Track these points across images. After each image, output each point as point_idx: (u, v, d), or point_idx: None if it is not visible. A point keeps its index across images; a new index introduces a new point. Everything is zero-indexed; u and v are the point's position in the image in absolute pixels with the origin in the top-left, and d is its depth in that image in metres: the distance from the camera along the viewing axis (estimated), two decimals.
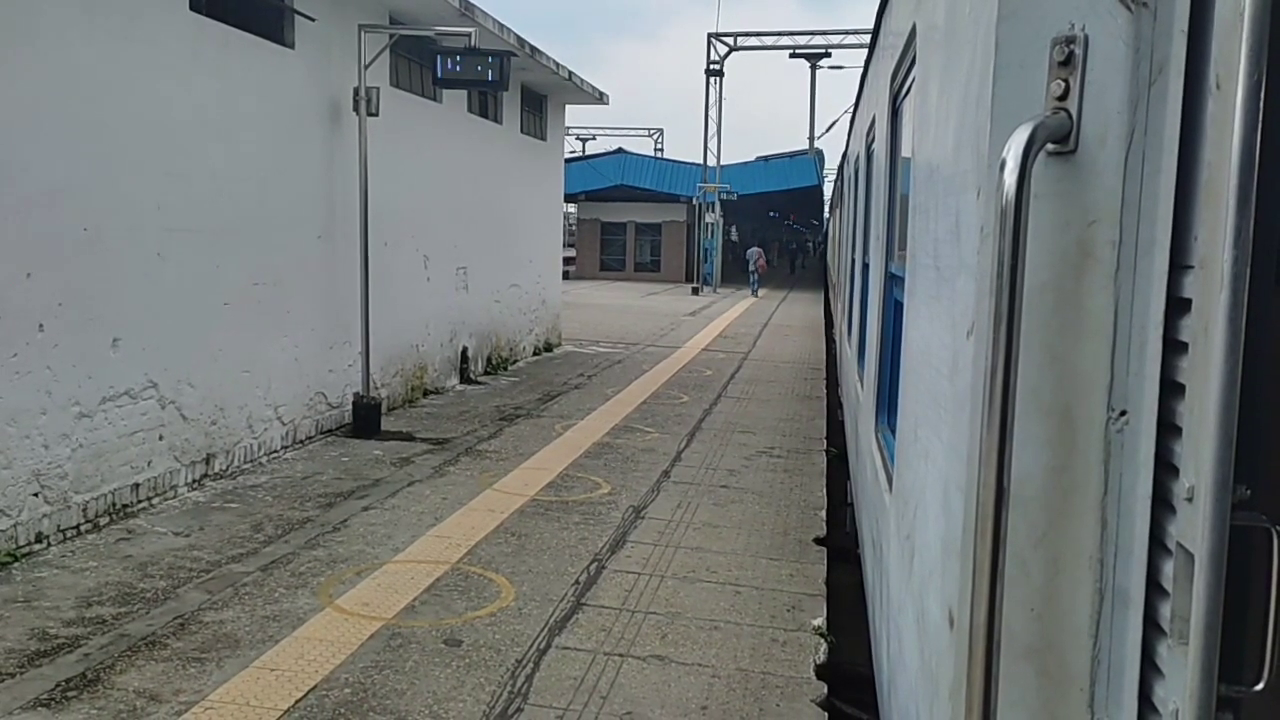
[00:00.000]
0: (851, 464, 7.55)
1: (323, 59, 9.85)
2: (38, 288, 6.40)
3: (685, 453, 9.90)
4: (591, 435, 10.58)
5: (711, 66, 38.49)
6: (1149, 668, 1.56)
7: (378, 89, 10.31)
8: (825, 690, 4.94)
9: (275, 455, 9.25)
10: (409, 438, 10.31)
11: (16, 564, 6.19)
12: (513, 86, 14.67)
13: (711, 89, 38.70)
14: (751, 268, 36.92)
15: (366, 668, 4.93)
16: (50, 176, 6.47)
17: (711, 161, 39.02)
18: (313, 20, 9.56)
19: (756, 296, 35.40)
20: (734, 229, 50.16)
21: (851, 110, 11.05)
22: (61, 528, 6.67)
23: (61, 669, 4.85)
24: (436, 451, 9.69)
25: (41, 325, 6.45)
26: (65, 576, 6.08)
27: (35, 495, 6.46)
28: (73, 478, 6.78)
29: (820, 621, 5.73)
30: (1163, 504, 1.54)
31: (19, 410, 6.30)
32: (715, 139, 38.84)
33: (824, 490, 8.68)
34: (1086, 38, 1.59)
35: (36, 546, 6.44)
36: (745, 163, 43.07)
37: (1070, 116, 1.60)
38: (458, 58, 10.02)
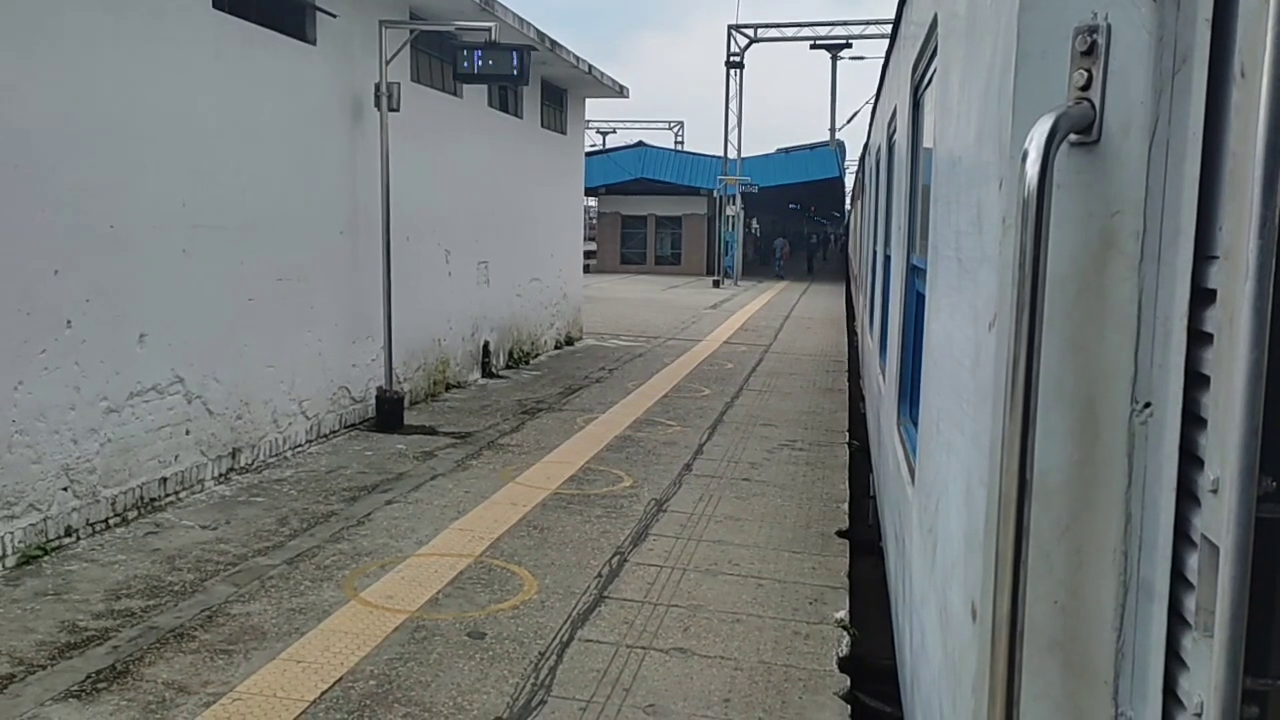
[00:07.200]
0: (874, 457, 7.53)
1: (344, 55, 9.90)
2: (65, 285, 6.48)
3: (707, 446, 9.90)
4: (613, 429, 10.60)
5: (731, 59, 38.36)
6: (1174, 660, 1.55)
7: (399, 84, 10.36)
8: (848, 683, 4.93)
9: (299, 449, 9.33)
10: (431, 431, 10.37)
11: (46, 557, 6.28)
12: (533, 80, 14.69)
13: (732, 81, 38.62)
14: (778, 255, 45.92)
15: (391, 660, 4.97)
16: (76, 175, 6.54)
17: (732, 154, 38.88)
18: (334, 16, 9.61)
19: (782, 278, 42.18)
20: (755, 221, 50.03)
21: (873, 101, 10.99)
22: (90, 521, 6.76)
23: (91, 661, 4.92)
24: (459, 445, 9.73)
25: (69, 321, 6.53)
26: (94, 570, 6.16)
27: (64, 489, 6.55)
28: (101, 472, 6.86)
29: (843, 614, 5.73)
30: (1187, 496, 1.53)
31: (48, 405, 6.38)
32: (735, 131, 38.73)
33: (846, 483, 8.66)
34: (1109, 27, 1.58)
35: (66, 540, 6.53)
36: (766, 155, 42.88)
37: (1093, 106, 1.59)
38: (478, 53, 10.05)
